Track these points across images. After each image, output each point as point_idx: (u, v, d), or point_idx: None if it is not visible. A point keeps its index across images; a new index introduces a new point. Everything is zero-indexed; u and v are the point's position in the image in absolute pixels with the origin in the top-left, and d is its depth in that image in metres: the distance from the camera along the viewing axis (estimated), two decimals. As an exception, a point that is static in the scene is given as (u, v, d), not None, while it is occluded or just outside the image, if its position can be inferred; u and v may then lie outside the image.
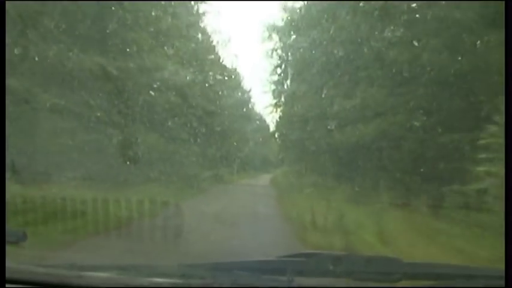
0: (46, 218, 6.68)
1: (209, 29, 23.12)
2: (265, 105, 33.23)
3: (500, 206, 6.10)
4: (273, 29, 22.11)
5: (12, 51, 11.91)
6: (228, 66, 25.95)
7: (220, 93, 23.23)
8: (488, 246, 6.42)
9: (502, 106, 4.76)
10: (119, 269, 2.36)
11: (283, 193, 19.04)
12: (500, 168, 6.87)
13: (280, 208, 14.67)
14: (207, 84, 20.75)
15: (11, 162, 8.80)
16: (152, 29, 15.72)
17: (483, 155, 8.55)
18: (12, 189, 7.26)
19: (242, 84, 31.37)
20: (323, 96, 16.52)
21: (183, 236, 6.61)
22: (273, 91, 24.68)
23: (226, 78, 25.06)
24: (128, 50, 14.66)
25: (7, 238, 2.36)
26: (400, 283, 2.30)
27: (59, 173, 11.05)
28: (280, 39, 22.23)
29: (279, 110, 24.46)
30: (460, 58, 11.64)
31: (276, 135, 27.53)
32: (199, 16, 21.81)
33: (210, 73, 21.53)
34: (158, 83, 15.99)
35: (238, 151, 29.01)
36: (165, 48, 16.77)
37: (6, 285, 1.98)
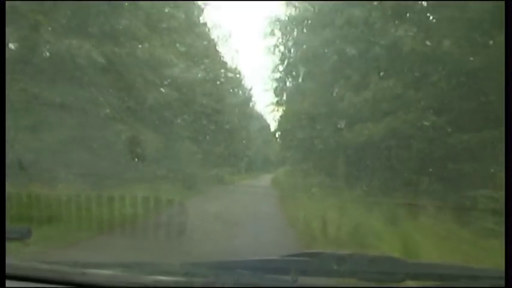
0: (51, 215, 6.71)
1: (209, 24, 23.07)
2: (266, 104, 32.27)
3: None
4: (276, 24, 21.21)
5: (22, 47, 12.00)
6: (229, 63, 25.86)
7: (230, 90, 23.14)
8: (490, 248, 6.42)
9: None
10: (122, 266, 2.36)
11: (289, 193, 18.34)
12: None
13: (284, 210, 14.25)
14: (218, 82, 20.73)
15: (17, 158, 8.85)
16: (164, 25, 15.78)
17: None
18: (18, 185, 7.31)
19: (243, 82, 31.28)
20: (331, 93, 16.32)
21: (186, 234, 6.62)
22: (275, 88, 23.89)
23: (230, 75, 25.00)
24: (140, 46, 14.70)
25: (12, 235, 2.37)
26: (404, 283, 2.29)
27: (66, 170, 11.09)
28: (283, 34, 21.39)
29: (281, 108, 23.95)
30: (472, 58, 11.56)
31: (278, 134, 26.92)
32: (204, 13, 21.87)
33: (222, 70, 21.47)
34: (169, 80, 16.04)
35: (245, 149, 28.99)
36: (177, 45, 16.79)
37: (8, 282, 1.98)
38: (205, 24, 22.62)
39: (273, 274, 2.23)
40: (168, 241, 6.32)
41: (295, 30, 20.30)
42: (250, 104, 34.17)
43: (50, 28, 12.13)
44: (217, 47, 24.28)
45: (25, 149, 10.22)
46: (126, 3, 14.19)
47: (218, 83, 22.47)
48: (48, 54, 12.72)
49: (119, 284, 2.06)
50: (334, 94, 15.58)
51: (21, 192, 6.91)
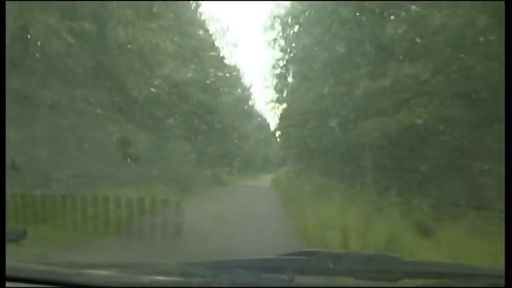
0: (46, 216, 6.68)
1: (207, 19, 22.84)
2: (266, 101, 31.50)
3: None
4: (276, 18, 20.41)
5: (13, 48, 11.91)
6: (227, 57, 25.44)
7: (220, 89, 22.89)
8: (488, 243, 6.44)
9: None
10: (119, 267, 2.36)
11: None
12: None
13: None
14: (208, 81, 20.55)
15: (11, 159, 8.79)
16: (154, 25, 15.68)
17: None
18: (12, 187, 7.26)
19: (242, 80, 30.90)
20: (336, 88, 15.14)
21: (182, 235, 6.59)
22: (276, 85, 23.28)
23: (227, 74, 24.70)
24: (128, 46, 14.65)
25: (7, 236, 2.36)
26: (400, 282, 2.30)
27: (59, 171, 11.06)
28: (283, 29, 20.49)
29: (281, 105, 23.21)
30: (462, 55, 11.49)
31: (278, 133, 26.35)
32: (197, 12, 21.70)
33: (211, 70, 21.21)
34: (160, 80, 15.96)
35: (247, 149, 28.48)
36: (166, 44, 16.66)
37: (7, 283, 1.98)
38: (199, 21, 22.28)
39: (270, 273, 2.23)
40: (164, 241, 6.31)
41: (299, 21, 19.30)
42: (250, 102, 33.73)
43: (38, 29, 12.06)
44: (216, 44, 23.93)
45: (18, 150, 10.16)
46: (115, 3, 14.11)
47: (214, 79, 21.92)
48: (38, 55, 12.65)
49: (115, 285, 2.06)
50: (340, 89, 14.56)
51: (15, 193, 6.87)
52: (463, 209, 9.44)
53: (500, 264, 2.23)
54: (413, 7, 12.95)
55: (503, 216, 2.65)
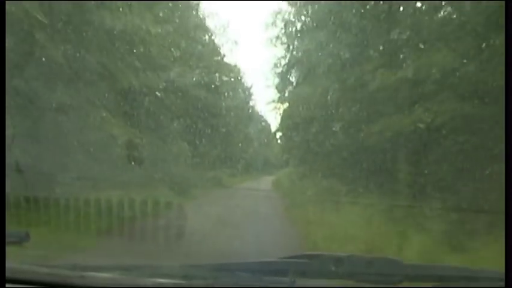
0: (49, 218, 6.70)
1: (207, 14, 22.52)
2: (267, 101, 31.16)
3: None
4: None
5: (18, 51, 11.97)
6: (227, 55, 24.97)
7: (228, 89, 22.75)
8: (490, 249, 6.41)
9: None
10: (121, 269, 2.37)
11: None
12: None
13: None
14: (213, 85, 20.54)
15: (15, 162, 8.83)
16: (159, 30, 15.70)
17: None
18: (15, 189, 7.29)
19: (243, 80, 30.56)
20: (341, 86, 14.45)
21: (185, 237, 6.61)
22: (277, 84, 22.41)
23: (232, 79, 24.62)
24: (134, 51, 14.69)
25: (10, 238, 2.37)
26: (402, 284, 2.30)
27: (63, 174, 11.09)
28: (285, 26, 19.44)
29: (283, 106, 22.40)
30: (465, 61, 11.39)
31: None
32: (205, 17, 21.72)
33: (216, 74, 21.21)
34: (165, 84, 15.98)
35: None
36: (172, 49, 16.66)
37: (9, 285, 1.99)
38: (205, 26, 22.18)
39: (272, 276, 2.24)
40: (167, 244, 6.31)
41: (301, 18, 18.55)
42: (252, 103, 33.02)
43: (44, 32, 12.10)
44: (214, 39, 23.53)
45: (22, 153, 10.19)
46: (120, 7, 14.14)
47: (219, 83, 21.77)
48: (43, 59, 12.69)
49: (117, 286, 2.07)
50: (345, 86, 13.89)
51: (19, 196, 6.90)
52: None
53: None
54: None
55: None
